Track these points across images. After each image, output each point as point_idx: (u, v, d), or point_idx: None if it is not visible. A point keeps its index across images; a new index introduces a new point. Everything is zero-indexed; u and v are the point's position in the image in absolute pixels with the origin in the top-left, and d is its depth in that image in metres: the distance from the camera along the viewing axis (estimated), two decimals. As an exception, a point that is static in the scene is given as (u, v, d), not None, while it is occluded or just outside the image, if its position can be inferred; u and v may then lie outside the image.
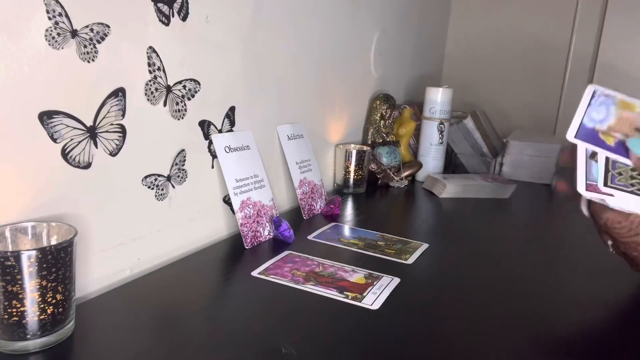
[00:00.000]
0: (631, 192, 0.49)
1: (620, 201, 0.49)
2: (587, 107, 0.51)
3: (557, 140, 1.28)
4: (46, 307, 0.42)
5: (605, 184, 0.50)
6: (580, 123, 0.51)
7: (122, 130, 0.55)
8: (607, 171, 0.50)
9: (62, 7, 0.47)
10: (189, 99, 0.64)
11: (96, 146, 0.53)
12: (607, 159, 0.50)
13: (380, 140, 1.11)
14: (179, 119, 0.63)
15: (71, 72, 0.49)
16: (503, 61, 1.58)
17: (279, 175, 0.86)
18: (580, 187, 0.50)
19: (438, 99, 1.14)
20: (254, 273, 0.61)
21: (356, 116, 1.11)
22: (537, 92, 1.54)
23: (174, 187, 0.64)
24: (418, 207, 0.97)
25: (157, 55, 0.58)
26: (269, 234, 0.73)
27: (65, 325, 0.44)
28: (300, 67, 0.88)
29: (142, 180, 0.59)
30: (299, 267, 0.63)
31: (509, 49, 1.56)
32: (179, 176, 0.64)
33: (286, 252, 0.68)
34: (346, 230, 0.80)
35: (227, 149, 0.70)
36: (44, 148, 0.48)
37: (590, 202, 0.51)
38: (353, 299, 0.56)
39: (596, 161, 0.50)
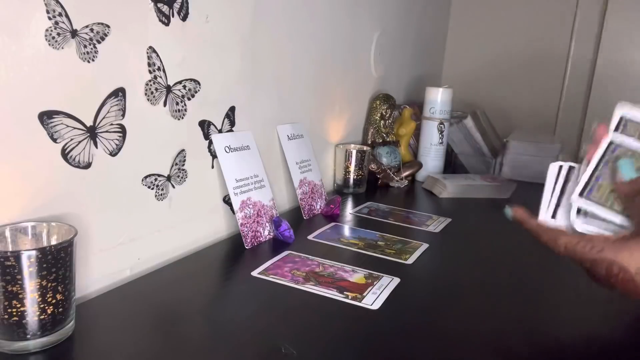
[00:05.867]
0: (602, 205, 0.47)
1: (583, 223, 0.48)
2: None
3: (557, 140, 1.28)
4: (46, 307, 0.42)
5: (582, 194, 0.48)
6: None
7: (122, 130, 0.55)
8: (587, 183, 0.48)
9: (62, 7, 0.47)
10: (189, 99, 0.64)
11: (96, 146, 0.53)
12: (594, 170, 0.48)
13: (380, 140, 1.11)
14: (179, 119, 0.63)
15: (71, 72, 0.49)
16: (503, 61, 1.58)
17: (279, 175, 0.86)
18: (546, 212, 0.49)
19: (438, 99, 1.14)
20: (254, 273, 0.61)
21: (356, 116, 1.11)
22: (537, 92, 1.54)
23: (174, 187, 0.64)
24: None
25: (157, 55, 0.58)
26: (269, 234, 0.73)
27: (65, 325, 0.44)
28: (300, 67, 0.88)
29: (142, 180, 0.59)
30: (299, 267, 0.63)
31: (509, 49, 1.56)
32: (179, 176, 0.64)
33: (286, 252, 0.68)
34: (346, 230, 0.80)
35: (227, 149, 0.70)
36: (44, 148, 0.48)
37: (542, 235, 0.49)
38: (353, 299, 0.56)
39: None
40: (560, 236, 0.47)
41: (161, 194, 0.62)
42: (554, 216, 0.50)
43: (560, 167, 0.50)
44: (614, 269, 0.44)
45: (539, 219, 0.50)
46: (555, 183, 0.51)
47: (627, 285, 0.44)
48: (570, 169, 0.50)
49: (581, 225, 0.48)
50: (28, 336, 0.41)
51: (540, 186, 0.50)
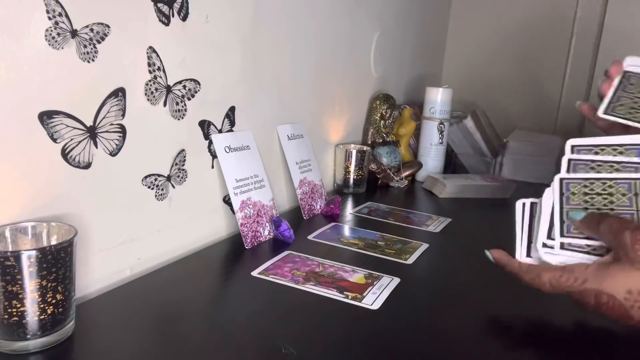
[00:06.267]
0: (586, 238, 0.48)
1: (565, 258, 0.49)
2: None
3: (557, 140, 1.28)
4: (46, 307, 0.42)
5: (562, 235, 0.48)
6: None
7: (122, 130, 0.55)
8: (562, 222, 0.49)
9: (62, 7, 0.47)
10: (189, 99, 0.64)
11: (96, 146, 0.53)
12: (561, 209, 0.49)
13: (380, 140, 1.11)
14: (179, 119, 0.63)
15: (71, 72, 0.49)
16: (503, 61, 1.58)
17: (279, 175, 0.86)
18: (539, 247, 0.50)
19: (438, 99, 1.14)
20: (254, 273, 0.61)
21: (356, 116, 1.11)
22: (537, 92, 1.54)
23: (174, 187, 0.64)
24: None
25: (157, 55, 0.58)
26: (269, 234, 0.73)
27: (65, 325, 0.44)
28: (300, 67, 0.88)
29: (142, 180, 0.59)
30: (299, 267, 0.63)
31: (509, 48, 1.56)
32: (179, 176, 0.64)
33: (286, 252, 0.68)
34: (346, 230, 0.80)
35: (227, 149, 0.70)
36: (44, 148, 0.48)
37: (524, 275, 0.50)
38: (353, 299, 0.56)
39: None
40: (543, 273, 0.47)
41: (161, 194, 0.62)
42: (528, 254, 0.51)
43: (524, 204, 0.52)
44: (603, 298, 0.44)
45: (519, 258, 0.51)
46: (522, 220, 0.52)
47: (617, 312, 0.44)
48: (533, 205, 0.51)
49: (554, 258, 0.49)
50: (28, 336, 0.41)
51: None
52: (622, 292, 0.43)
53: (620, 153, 0.49)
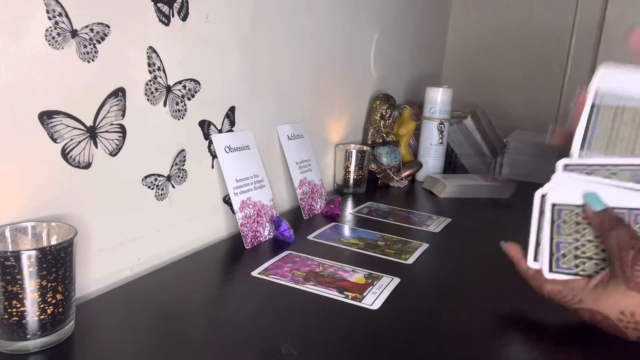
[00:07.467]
0: (575, 275, 0.47)
1: None
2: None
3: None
4: (46, 307, 0.42)
5: (551, 270, 0.48)
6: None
7: (122, 130, 0.55)
8: (551, 255, 0.48)
9: (62, 7, 0.47)
10: (189, 99, 0.64)
11: (96, 146, 0.53)
12: (551, 240, 0.48)
13: (380, 140, 1.11)
14: (179, 119, 0.63)
15: (71, 72, 0.49)
16: (503, 61, 1.58)
17: (279, 175, 0.86)
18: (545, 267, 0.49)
19: (438, 99, 1.14)
20: (254, 273, 0.61)
21: (356, 116, 1.11)
22: (537, 92, 1.54)
23: (174, 187, 0.64)
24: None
25: (157, 55, 0.58)
26: (269, 234, 0.73)
27: (65, 325, 0.44)
28: (301, 67, 0.88)
29: (142, 180, 0.59)
30: (299, 267, 0.63)
31: (509, 48, 1.56)
32: (179, 176, 0.64)
33: (286, 252, 0.68)
34: (346, 230, 0.80)
35: (227, 149, 0.70)
36: (44, 148, 0.48)
37: (529, 280, 0.51)
38: (353, 299, 0.56)
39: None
40: (545, 284, 0.49)
41: (161, 194, 0.62)
42: (535, 258, 0.50)
43: (542, 196, 0.49)
44: (597, 317, 0.46)
45: (527, 263, 0.50)
46: (536, 219, 0.49)
47: (611, 331, 0.46)
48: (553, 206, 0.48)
49: (553, 275, 0.49)
50: (28, 336, 0.42)
51: (540, 186, 0.50)
52: (615, 313, 0.44)
53: (614, 174, 0.46)
